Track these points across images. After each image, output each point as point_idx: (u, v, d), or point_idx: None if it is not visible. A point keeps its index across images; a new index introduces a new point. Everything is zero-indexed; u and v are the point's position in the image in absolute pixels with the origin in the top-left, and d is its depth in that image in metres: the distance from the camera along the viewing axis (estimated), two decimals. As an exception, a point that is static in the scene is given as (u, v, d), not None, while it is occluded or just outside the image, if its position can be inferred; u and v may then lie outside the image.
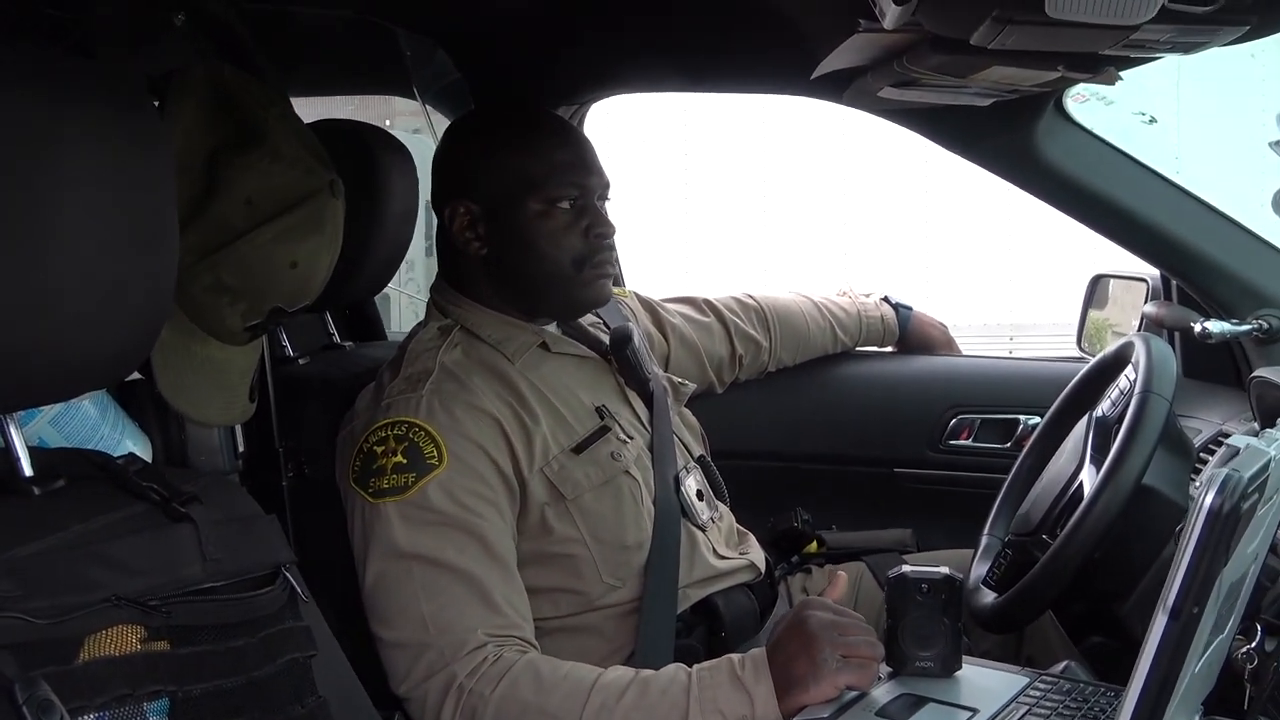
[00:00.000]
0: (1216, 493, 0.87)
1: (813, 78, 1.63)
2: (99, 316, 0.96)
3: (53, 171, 0.91)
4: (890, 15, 1.18)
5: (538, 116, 1.74)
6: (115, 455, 1.13)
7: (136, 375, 1.26)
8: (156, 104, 1.29)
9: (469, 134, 1.67)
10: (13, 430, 1.01)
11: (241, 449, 1.48)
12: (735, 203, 7.27)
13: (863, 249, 7.16)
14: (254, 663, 1.04)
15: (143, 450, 1.29)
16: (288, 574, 1.11)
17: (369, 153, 1.77)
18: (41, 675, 0.86)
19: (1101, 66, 1.34)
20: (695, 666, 1.38)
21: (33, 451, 1.03)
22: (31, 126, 0.90)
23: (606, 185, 1.64)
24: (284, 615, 1.09)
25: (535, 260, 1.59)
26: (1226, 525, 0.88)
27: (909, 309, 2.25)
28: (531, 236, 1.59)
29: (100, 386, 1.19)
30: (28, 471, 1.01)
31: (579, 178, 1.61)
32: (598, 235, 1.61)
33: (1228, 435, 1.78)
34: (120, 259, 0.96)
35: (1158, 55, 1.26)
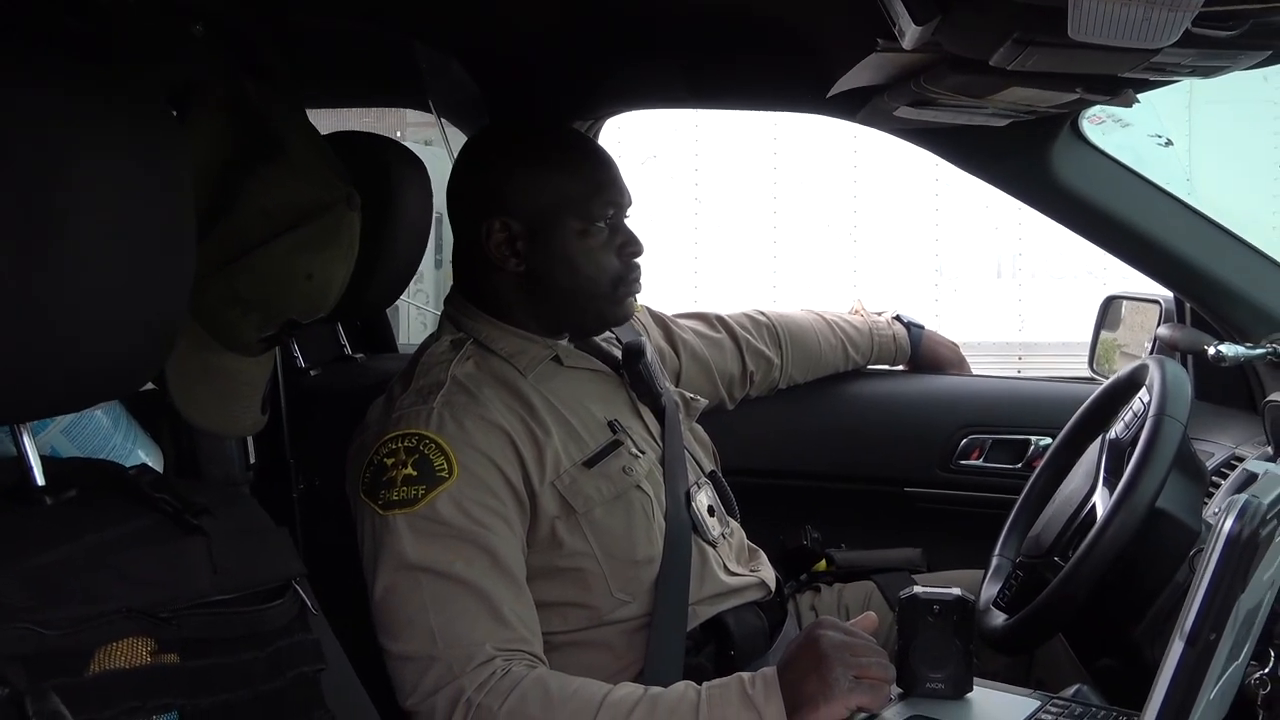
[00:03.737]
0: (1236, 518, 0.87)
1: (828, 96, 1.63)
2: (114, 326, 0.95)
3: (69, 180, 0.90)
4: (910, 35, 1.18)
5: (572, 136, 1.78)
6: (127, 465, 1.13)
7: (149, 385, 1.26)
8: (175, 114, 1.29)
9: (503, 150, 1.67)
10: (26, 439, 1.01)
11: (253, 460, 1.48)
12: (745, 220, 7.28)
13: (872, 267, 7.16)
14: (263, 676, 1.03)
15: (155, 461, 1.29)
16: (298, 587, 1.11)
17: (384, 165, 1.77)
18: (52, 687, 0.86)
19: (1120, 89, 1.33)
20: (705, 684, 1.37)
21: (45, 461, 1.03)
22: (48, 135, 0.90)
23: (630, 203, 1.66)
24: (293, 629, 1.08)
25: (574, 277, 1.61)
26: (1245, 552, 0.87)
27: (921, 328, 2.24)
28: (573, 254, 1.61)
29: (115, 397, 1.19)
30: (40, 481, 1.01)
31: (614, 196, 1.63)
32: (630, 253, 1.64)
33: (1241, 459, 1.77)
34: (136, 269, 0.96)
35: (1177, 78, 1.26)
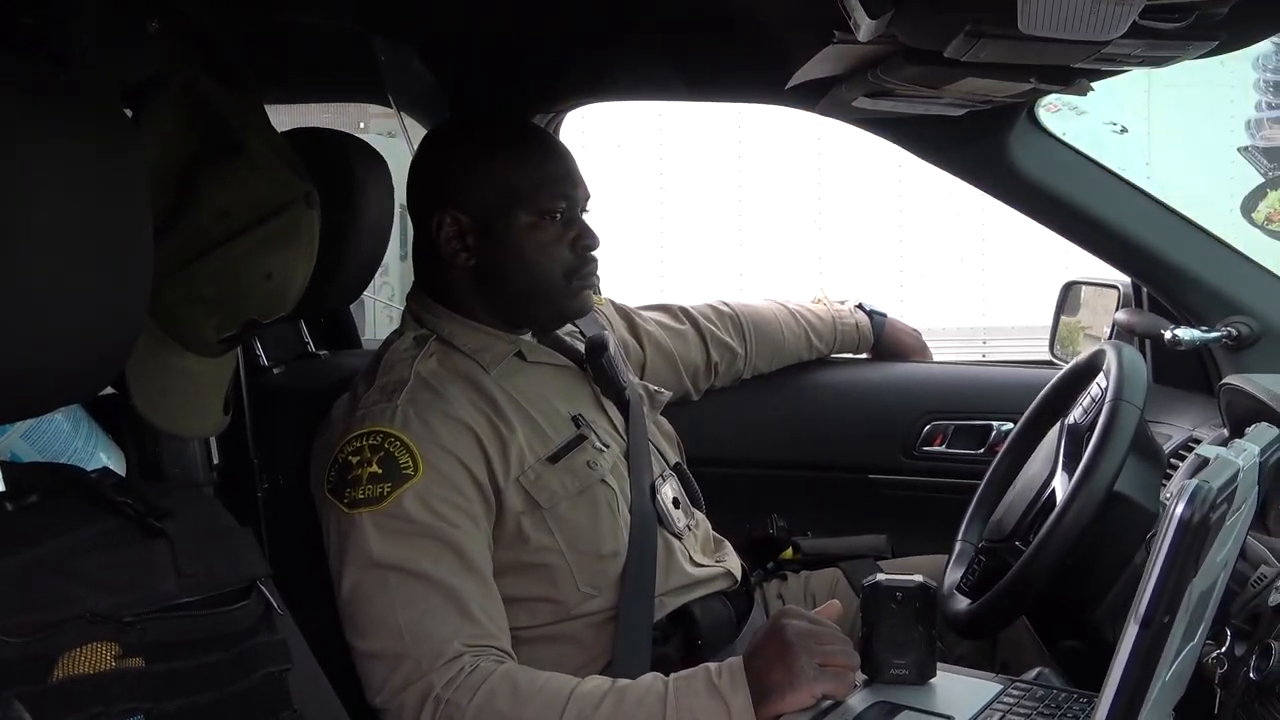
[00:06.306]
0: (1186, 504, 0.88)
1: (787, 87, 1.63)
2: (72, 330, 0.95)
3: (24, 182, 0.89)
4: (865, 28, 1.19)
5: (524, 128, 1.77)
6: (89, 469, 1.13)
7: (110, 388, 1.25)
8: (130, 113, 1.28)
9: (454, 143, 1.67)
10: (-15, 444, 1.00)
11: (216, 461, 1.48)
12: (710, 210, 7.28)
13: (837, 255, 7.18)
14: (229, 678, 1.03)
15: (116, 464, 1.28)
16: (263, 587, 1.10)
17: (344, 161, 1.76)
18: (15, 694, 0.86)
19: (1074, 78, 1.35)
20: (672, 675, 1.38)
21: (5, 466, 1.02)
22: (2, 136, 0.89)
23: (588, 196, 1.66)
24: (259, 629, 1.08)
25: (525, 271, 1.61)
26: (1196, 536, 0.88)
27: (883, 315, 2.26)
28: (522, 248, 1.60)
29: (75, 401, 1.18)
30: (0, 487, 1.01)
31: (567, 190, 1.62)
32: (584, 247, 1.63)
33: (1198, 441, 1.80)
34: (93, 271, 0.95)
35: (1129, 68, 1.28)
